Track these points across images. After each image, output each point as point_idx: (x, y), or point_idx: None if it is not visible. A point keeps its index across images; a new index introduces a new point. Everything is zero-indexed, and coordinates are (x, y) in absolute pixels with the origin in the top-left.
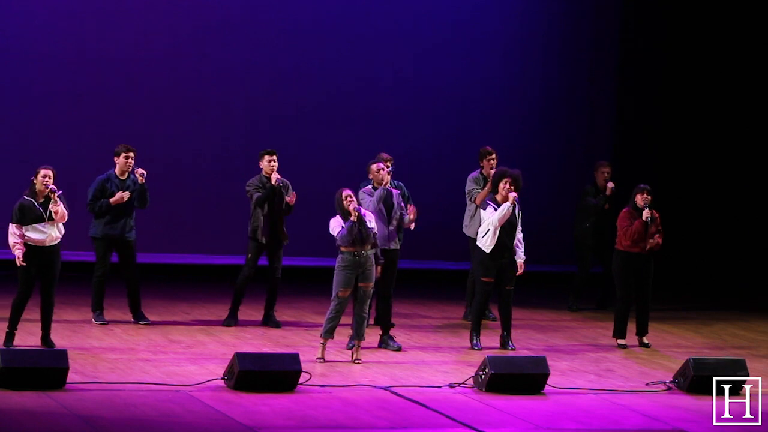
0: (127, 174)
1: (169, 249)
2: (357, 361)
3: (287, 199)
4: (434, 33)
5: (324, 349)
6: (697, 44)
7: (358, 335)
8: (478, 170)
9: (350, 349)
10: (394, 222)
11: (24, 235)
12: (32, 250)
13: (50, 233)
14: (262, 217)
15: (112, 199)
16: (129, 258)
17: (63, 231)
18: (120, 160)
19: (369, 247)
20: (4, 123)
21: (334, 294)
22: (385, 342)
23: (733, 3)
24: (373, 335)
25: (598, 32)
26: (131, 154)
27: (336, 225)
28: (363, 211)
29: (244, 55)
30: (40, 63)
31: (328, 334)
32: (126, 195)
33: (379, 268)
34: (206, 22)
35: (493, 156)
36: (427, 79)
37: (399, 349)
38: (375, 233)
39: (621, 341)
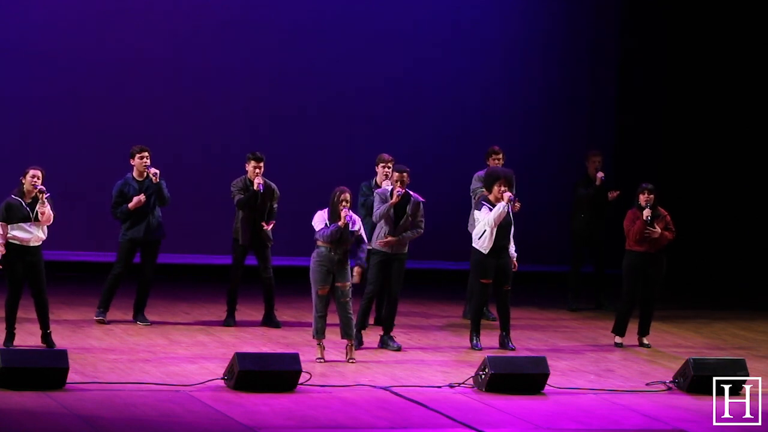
0: (145, 174)
1: (169, 249)
2: (351, 361)
3: (265, 227)
4: (434, 33)
5: (323, 349)
6: (698, 44)
7: (347, 335)
8: (485, 169)
9: None
10: (404, 229)
11: (7, 235)
12: (17, 249)
13: (35, 234)
14: (242, 219)
15: (130, 204)
16: (147, 257)
17: (46, 234)
18: (135, 161)
19: (346, 248)
20: (4, 123)
21: (313, 292)
22: (385, 342)
23: (733, 2)
24: (373, 335)
25: (598, 32)
26: (145, 154)
27: (320, 221)
28: (353, 216)
29: (244, 56)
30: (39, 63)
31: (320, 334)
32: (143, 198)
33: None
34: (206, 23)
35: (500, 156)
36: (427, 79)
37: (399, 349)
38: (357, 237)
39: (618, 339)
